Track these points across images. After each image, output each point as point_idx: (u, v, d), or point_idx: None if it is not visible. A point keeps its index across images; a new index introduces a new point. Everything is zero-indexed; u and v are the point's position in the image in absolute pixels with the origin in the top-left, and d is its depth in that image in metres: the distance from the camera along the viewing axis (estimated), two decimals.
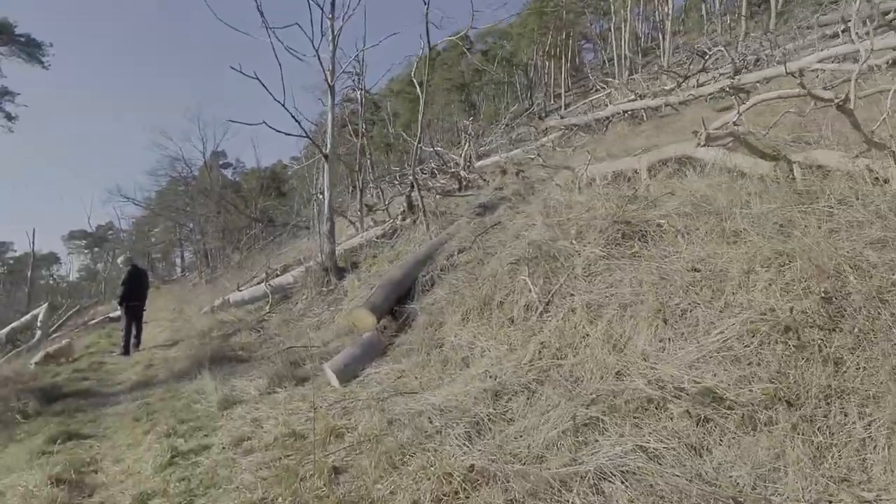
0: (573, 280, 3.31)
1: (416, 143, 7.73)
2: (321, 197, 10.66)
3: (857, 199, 2.50)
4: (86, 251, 49.71)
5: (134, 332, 7.66)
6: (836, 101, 2.62)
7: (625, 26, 33.84)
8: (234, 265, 21.99)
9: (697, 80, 10.98)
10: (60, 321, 10.30)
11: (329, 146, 7.92)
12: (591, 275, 3.23)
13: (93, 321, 10.61)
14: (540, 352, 2.93)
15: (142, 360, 6.34)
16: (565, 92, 38.75)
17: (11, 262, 44.45)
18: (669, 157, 4.36)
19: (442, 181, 11.72)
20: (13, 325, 9.49)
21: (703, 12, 37.12)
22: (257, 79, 6.29)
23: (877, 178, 2.62)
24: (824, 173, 2.98)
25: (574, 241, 3.69)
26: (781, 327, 2.02)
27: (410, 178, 8.24)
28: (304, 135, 7.53)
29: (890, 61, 5.43)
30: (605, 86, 19.64)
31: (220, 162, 41.16)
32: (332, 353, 4.92)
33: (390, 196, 11.63)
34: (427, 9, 6.00)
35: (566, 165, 6.43)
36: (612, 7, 37.13)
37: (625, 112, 11.19)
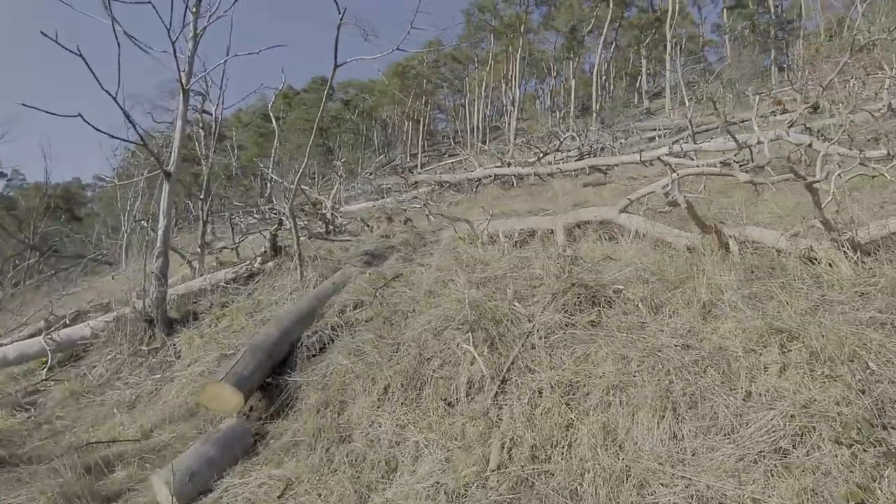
0: (530, 351, 2.72)
1: (296, 175, 6.54)
2: (145, 225, 8.38)
3: (810, 277, 2.55)
4: None
5: None
6: (809, 180, 2.72)
7: (477, 102, 37.73)
8: None
9: (555, 157, 12.25)
10: None
11: (174, 161, 6.22)
12: (552, 346, 2.69)
13: None
14: (510, 451, 2.20)
15: None
16: (421, 152, 40.92)
17: None
18: (589, 219, 4.29)
19: (305, 221, 10.44)
20: None
21: (537, 105, 44.24)
22: (79, 54, 4.53)
23: (811, 259, 2.75)
24: (756, 248, 3.09)
25: (517, 304, 3.15)
26: (838, 424, 1.73)
27: (280, 212, 6.95)
28: (140, 142, 5.74)
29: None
30: (458, 152, 21.17)
31: None
32: (162, 451, 3.34)
33: (239, 234, 9.83)
34: (341, 18, 5.19)
35: (464, 218, 6.08)
36: (467, 86, 41.43)
37: (495, 176, 11.74)
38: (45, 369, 6.00)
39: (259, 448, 3.08)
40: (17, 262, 24.79)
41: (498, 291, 3.40)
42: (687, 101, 18.53)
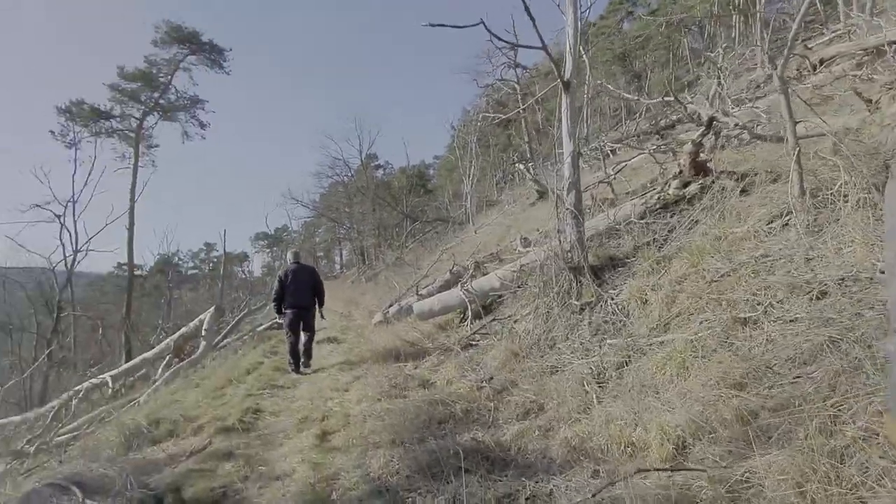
0: None
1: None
2: (521, 167, 7.79)
3: None
4: (266, 250, 56.44)
5: (302, 344, 5.86)
6: None
7: None
8: (390, 262, 20.92)
9: None
10: (232, 324, 9.37)
11: (569, 69, 4.87)
12: None
13: (261, 326, 9.46)
14: None
15: (311, 411, 4.04)
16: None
17: (215, 260, 52.03)
18: None
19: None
20: (182, 331, 8.69)
21: None
22: None
23: None
24: None
25: None
26: None
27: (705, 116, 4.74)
28: (540, 46, 4.57)
29: None
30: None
31: (373, 164, 42.26)
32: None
33: (612, 164, 8.23)
34: None
35: None
36: None
37: None
38: (468, 322, 5.93)
39: None
40: (396, 230, 32.20)
41: None
42: None
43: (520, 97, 24.74)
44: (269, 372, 5.62)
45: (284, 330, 5.88)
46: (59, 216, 20.77)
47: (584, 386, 3.32)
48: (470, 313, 5.99)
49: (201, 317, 8.40)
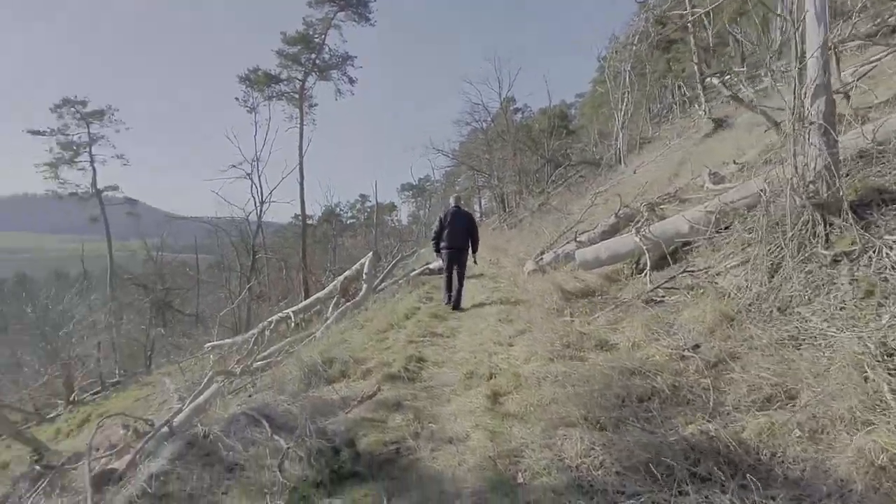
0: None
1: None
2: (714, 81, 6.12)
3: None
4: (411, 200, 59.76)
5: (455, 284, 6.45)
6: None
7: None
8: (533, 209, 20.07)
9: None
10: (387, 269, 9.84)
11: None
12: None
13: (414, 271, 9.74)
14: None
15: (475, 366, 3.73)
16: None
17: (368, 211, 57.08)
18: None
19: None
20: (346, 273, 9.35)
21: None
22: None
23: None
24: None
25: None
26: None
27: None
28: None
29: None
30: None
31: (512, 107, 40.48)
32: None
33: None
34: None
35: None
36: None
37: None
38: (646, 272, 4.98)
39: None
40: (538, 174, 30.68)
41: None
42: None
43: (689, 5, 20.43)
44: (426, 319, 5.56)
45: (442, 265, 6.67)
46: (248, 174, 24.46)
47: (863, 370, 2.30)
48: (648, 263, 5.02)
49: (361, 261, 8.92)
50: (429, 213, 41.33)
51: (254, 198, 24.29)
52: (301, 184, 24.64)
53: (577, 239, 7.08)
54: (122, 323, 21.64)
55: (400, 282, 8.97)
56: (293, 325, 8.62)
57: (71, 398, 14.26)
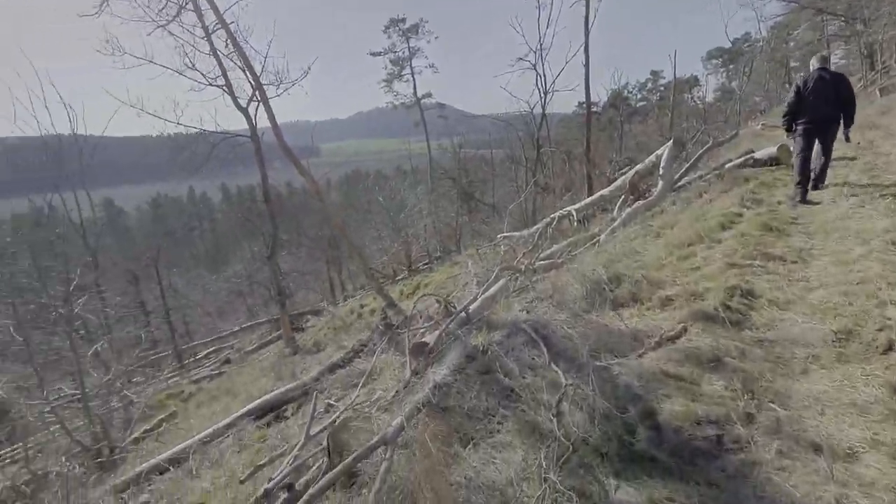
0: None
1: None
2: None
3: None
4: (721, 70, 47.45)
5: (818, 161, 5.21)
6: None
7: None
8: None
9: None
10: (692, 160, 7.84)
11: None
12: None
13: (731, 162, 7.42)
14: None
15: (852, 317, 2.37)
16: None
17: (662, 88, 48.92)
18: None
19: None
20: (637, 167, 7.92)
21: None
22: None
23: None
24: None
25: None
26: None
27: None
28: None
29: None
30: None
31: None
32: None
33: None
34: None
35: None
36: None
37: None
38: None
39: None
40: None
41: None
42: None
43: None
44: (754, 231, 4.04)
45: (796, 147, 5.22)
46: (533, 65, 23.97)
47: None
48: None
49: (658, 152, 7.38)
50: (746, 83, 31.89)
51: (538, 89, 23.92)
52: (586, 66, 22.54)
53: None
54: (440, 209, 26.44)
55: (709, 176, 7.08)
56: (575, 223, 8.20)
57: (410, 266, 18.80)
